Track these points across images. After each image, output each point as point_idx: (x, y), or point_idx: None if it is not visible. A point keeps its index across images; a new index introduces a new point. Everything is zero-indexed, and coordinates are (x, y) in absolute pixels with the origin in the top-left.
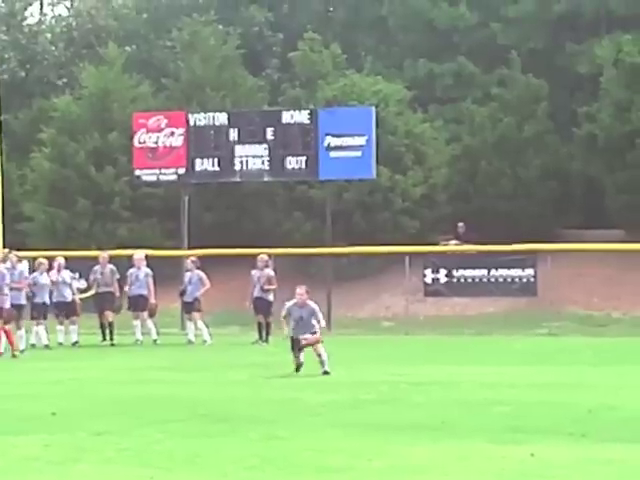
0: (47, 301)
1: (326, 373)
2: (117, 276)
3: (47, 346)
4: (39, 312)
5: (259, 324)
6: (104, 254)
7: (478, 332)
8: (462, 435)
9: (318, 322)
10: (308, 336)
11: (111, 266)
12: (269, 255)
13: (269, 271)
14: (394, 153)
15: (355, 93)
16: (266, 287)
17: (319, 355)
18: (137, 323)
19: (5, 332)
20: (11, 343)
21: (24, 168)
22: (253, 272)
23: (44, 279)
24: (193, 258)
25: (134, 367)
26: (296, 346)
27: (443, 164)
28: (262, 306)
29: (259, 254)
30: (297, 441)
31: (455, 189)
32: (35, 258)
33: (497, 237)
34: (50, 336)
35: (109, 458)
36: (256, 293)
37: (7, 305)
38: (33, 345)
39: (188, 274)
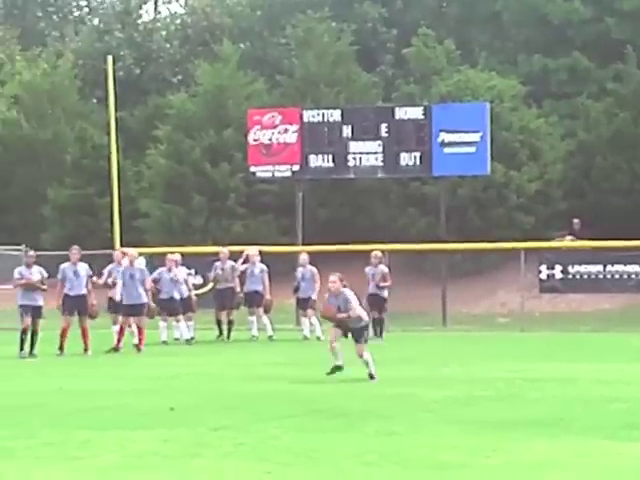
0: (175, 296)
1: (371, 377)
2: (237, 272)
3: (165, 342)
4: (165, 308)
5: (374, 320)
6: (224, 250)
7: (594, 329)
8: (579, 432)
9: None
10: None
11: (231, 262)
12: (383, 251)
13: (383, 267)
14: (509, 149)
15: (469, 89)
16: (381, 284)
17: (360, 357)
18: (253, 319)
19: (138, 328)
20: (140, 339)
21: (140, 165)
22: (367, 269)
23: (170, 275)
24: (305, 255)
25: (250, 363)
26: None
27: (558, 160)
28: (377, 302)
29: (373, 250)
30: (413, 437)
31: (570, 185)
32: (152, 255)
33: (613, 233)
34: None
35: (227, 453)
36: (370, 289)
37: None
38: (164, 342)
39: (301, 270)
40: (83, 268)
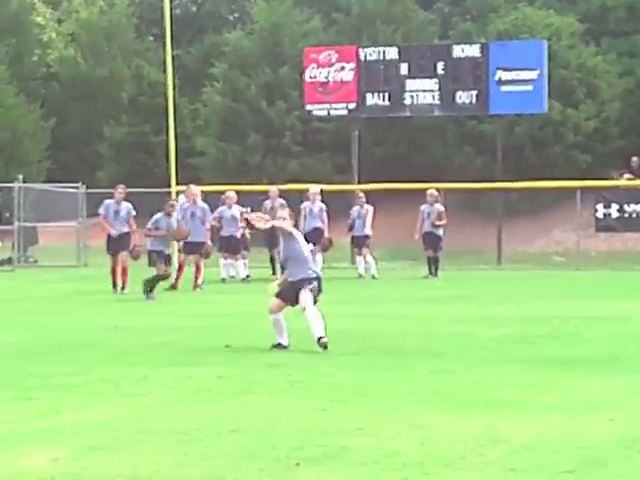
0: (236, 235)
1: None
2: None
3: (224, 280)
4: (226, 246)
5: (429, 259)
6: (274, 188)
7: None
8: (635, 370)
9: None
10: None
11: (281, 200)
12: (439, 190)
13: (439, 206)
14: (566, 87)
15: (527, 26)
16: (437, 222)
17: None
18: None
19: (196, 266)
20: (197, 277)
21: (196, 103)
22: (422, 207)
23: (231, 212)
24: (361, 193)
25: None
26: None
27: (616, 97)
28: (432, 241)
29: (429, 189)
30: (467, 375)
31: (628, 123)
32: (208, 192)
33: None
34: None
35: (281, 390)
36: (426, 228)
37: (207, 240)
38: (223, 279)
39: (356, 208)
40: (125, 208)
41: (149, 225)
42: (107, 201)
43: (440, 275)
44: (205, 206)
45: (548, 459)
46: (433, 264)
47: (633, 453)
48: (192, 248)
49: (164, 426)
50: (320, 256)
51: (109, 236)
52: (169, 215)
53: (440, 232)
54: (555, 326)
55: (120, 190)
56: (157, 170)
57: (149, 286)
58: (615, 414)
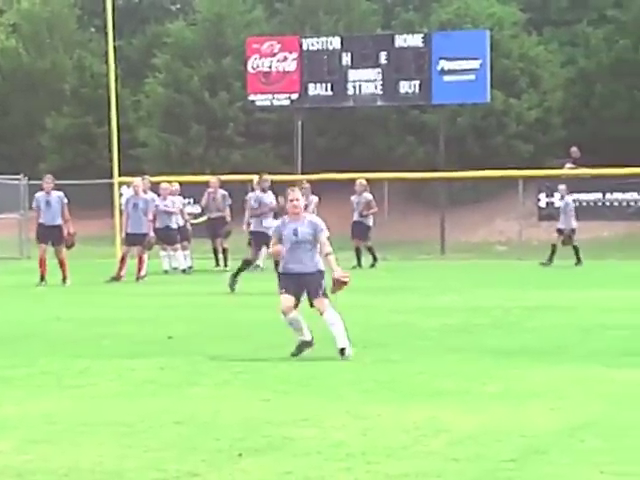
0: (171, 225)
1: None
2: (229, 201)
3: (166, 271)
4: (161, 237)
5: (357, 249)
6: (213, 179)
7: (593, 256)
8: (577, 359)
9: None
10: None
11: (223, 191)
12: (382, 180)
13: (367, 195)
14: (508, 77)
15: (469, 16)
16: (365, 212)
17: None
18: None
19: (138, 257)
20: (139, 269)
21: (138, 94)
22: (353, 197)
23: (164, 204)
24: (306, 184)
25: (247, 292)
26: None
27: (558, 87)
28: (360, 230)
29: (372, 179)
30: (410, 365)
31: (570, 112)
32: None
33: (612, 160)
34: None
35: (224, 381)
36: (355, 218)
37: (150, 231)
38: (166, 271)
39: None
40: (56, 197)
41: (253, 204)
42: (37, 194)
43: (379, 264)
44: (148, 197)
45: (490, 448)
46: (369, 253)
47: (574, 442)
48: (134, 240)
49: (106, 418)
50: (265, 248)
51: (39, 226)
52: (264, 191)
53: (369, 222)
54: (497, 316)
55: (48, 180)
56: (100, 162)
57: (238, 272)
58: (557, 403)
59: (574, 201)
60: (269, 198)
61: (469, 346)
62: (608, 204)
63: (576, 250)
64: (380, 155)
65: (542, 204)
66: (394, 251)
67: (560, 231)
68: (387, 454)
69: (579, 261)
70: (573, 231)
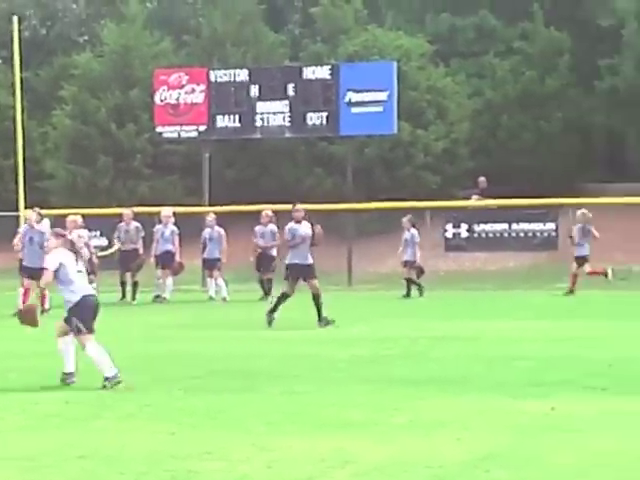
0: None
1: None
2: (142, 234)
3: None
4: None
5: (261, 281)
6: (128, 211)
7: (499, 287)
8: (483, 390)
9: None
10: None
11: (136, 223)
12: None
13: (273, 226)
14: (416, 108)
15: (377, 48)
16: (270, 243)
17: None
18: (160, 282)
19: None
20: (42, 303)
21: (45, 126)
22: (257, 228)
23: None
24: (212, 216)
25: (154, 324)
26: None
27: (465, 118)
28: (266, 261)
29: (280, 210)
30: (319, 396)
31: (477, 144)
32: (57, 216)
33: (519, 191)
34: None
35: (130, 414)
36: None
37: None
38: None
39: (208, 231)
40: None
41: (287, 236)
42: None
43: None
44: (43, 230)
45: None
46: (267, 284)
47: (479, 472)
48: (31, 273)
49: (10, 453)
50: (171, 279)
51: None
52: (298, 222)
53: (273, 252)
54: (405, 346)
55: None
56: (5, 194)
57: (275, 307)
58: (463, 433)
59: (481, 232)
60: (303, 229)
61: (377, 377)
62: (514, 235)
63: (409, 283)
64: (288, 186)
65: (449, 235)
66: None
67: (410, 263)
68: None
69: (408, 294)
70: (414, 263)
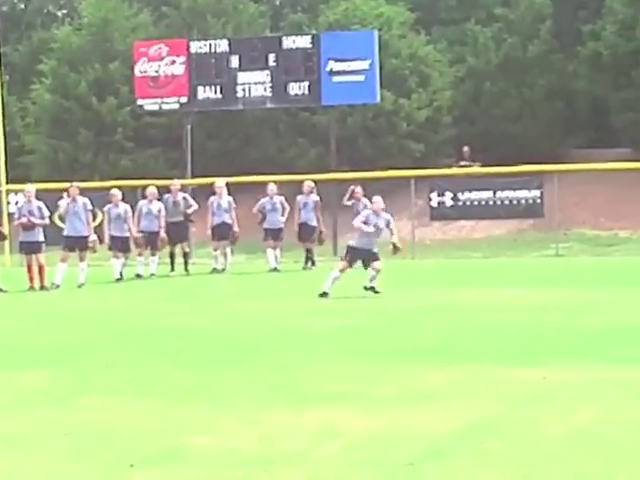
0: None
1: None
2: (195, 206)
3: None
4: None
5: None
6: (176, 182)
7: (485, 255)
8: (473, 359)
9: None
10: None
11: (183, 194)
12: (275, 182)
13: (314, 196)
14: (398, 76)
15: (357, 17)
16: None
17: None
18: (217, 253)
19: (38, 266)
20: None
21: (25, 101)
22: (299, 197)
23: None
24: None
25: (144, 298)
26: None
27: (447, 86)
28: (307, 231)
29: (264, 182)
30: (305, 369)
31: (460, 111)
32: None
33: (503, 159)
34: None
35: (115, 390)
36: (302, 219)
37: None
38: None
39: (267, 200)
40: None
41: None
42: None
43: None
44: (41, 204)
45: (388, 452)
46: (309, 254)
47: (472, 442)
48: (30, 248)
49: None
50: (219, 252)
51: None
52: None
53: (314, 222)
54: (393, 316)
55: None
56: None
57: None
58: (453, 403)
59: (466, 200)
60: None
61: (365, 348)
62: (499, 202)
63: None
64: (271, 157)
65: (434, 203)
66: (287, 254)
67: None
68: (284, 460)
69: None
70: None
